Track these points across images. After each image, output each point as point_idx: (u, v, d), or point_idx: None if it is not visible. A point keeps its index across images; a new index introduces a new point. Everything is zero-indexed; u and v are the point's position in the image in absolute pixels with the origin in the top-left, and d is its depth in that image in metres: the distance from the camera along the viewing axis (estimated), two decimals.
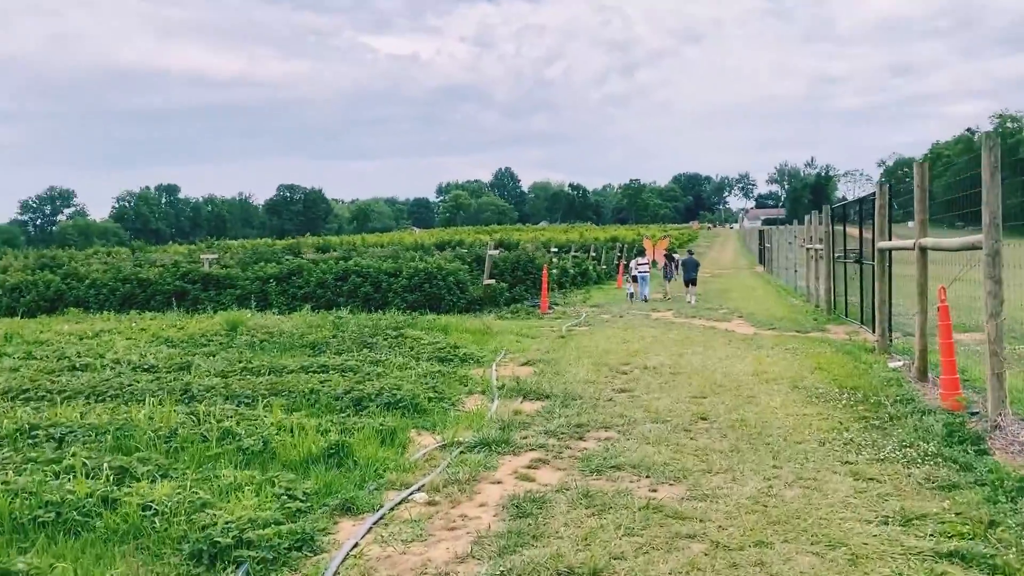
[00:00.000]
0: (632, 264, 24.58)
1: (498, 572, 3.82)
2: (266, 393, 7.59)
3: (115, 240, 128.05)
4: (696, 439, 6.29)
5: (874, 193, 12.53)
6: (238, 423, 6.08)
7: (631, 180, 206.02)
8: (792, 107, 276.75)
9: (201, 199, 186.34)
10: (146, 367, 9.36)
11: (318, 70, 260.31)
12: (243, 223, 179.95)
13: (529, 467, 5.62)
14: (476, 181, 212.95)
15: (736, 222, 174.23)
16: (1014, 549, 3.95)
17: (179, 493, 4.48)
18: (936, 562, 3.87)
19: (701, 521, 4.44)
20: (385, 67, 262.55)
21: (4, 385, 8.13)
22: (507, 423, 6.80)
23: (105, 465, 4.80)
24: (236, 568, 3.82)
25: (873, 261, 12.43)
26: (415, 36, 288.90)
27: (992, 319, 6.39)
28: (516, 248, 26.66)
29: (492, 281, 20.29)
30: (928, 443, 5.87)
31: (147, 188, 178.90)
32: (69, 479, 4.72)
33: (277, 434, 5.83)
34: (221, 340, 12.17)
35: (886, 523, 4.38)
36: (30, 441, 5.87)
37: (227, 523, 4.08)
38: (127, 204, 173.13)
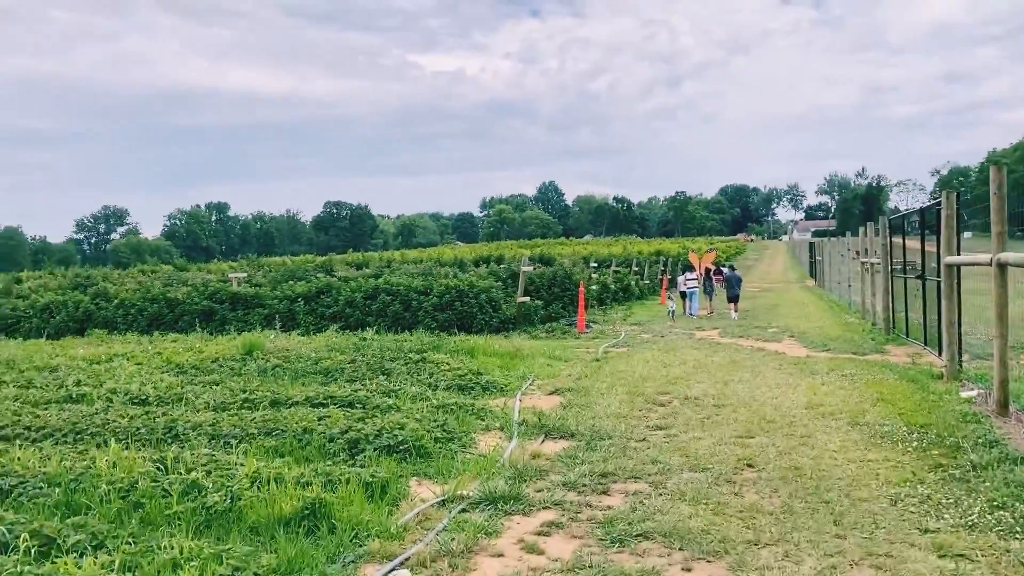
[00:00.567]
0: (680, 279, 23.95)
1: None
2: (256, 432, 6.82)
3: (167, 258, 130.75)
4: (741, 495, 5.32)
5: (938, 202, 11.37)
6: (209, 473, 5.30)
7: (677, 192, 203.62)
8: (842, 117, 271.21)
9: (250, 216, 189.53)
10: (139, 400, 8.69)
11: (365, 88, 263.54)
12: (291, 240, 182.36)
13: (539, 533, 4.72)
14: (520, 195, 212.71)
15: (785, 234, 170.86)
16: None
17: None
18: None
19: None
20: (431, 84, 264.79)
21: None
22: (521, 471, 5.90)
23: (25, 536, 4.04)
24: None
25: (939, 277, 11.28)
26: (461, 53, 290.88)
27: None
28: (553, 263, 25.73)
29: (527, 299, 19.42)
30: None
31: (197, 206, 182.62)
32: None
33: (249, 488, 5.03)
34: (233, 366, 11.51)
35: None
36: None
37: None
38: (178, 222, 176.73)
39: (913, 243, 14.24)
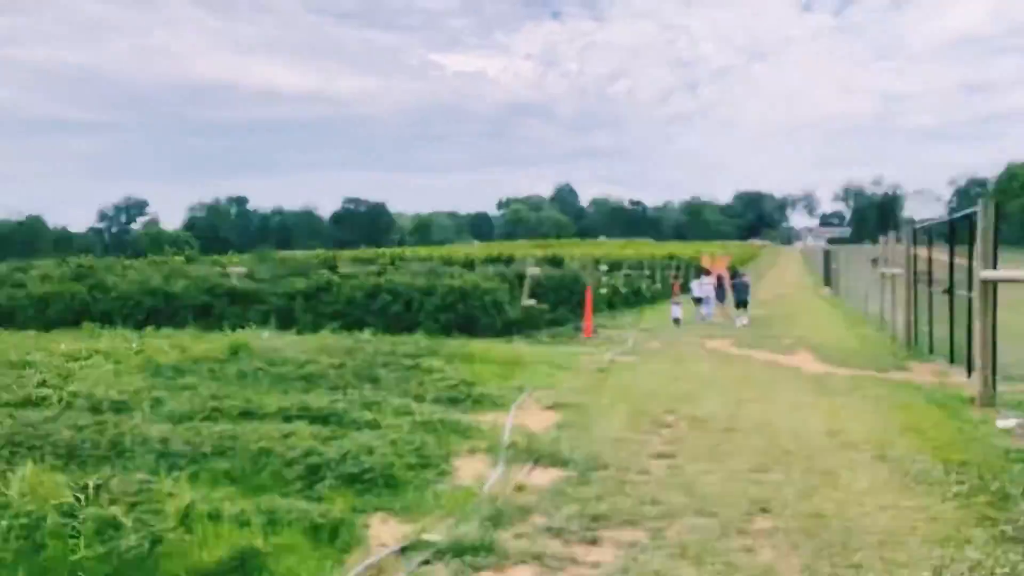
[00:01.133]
0: (694, 284, 23.53)
1: None
2: (209, 452, 6.10)
3: (186, 249, 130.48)
4: (754, 551, 4.53)
5: (971, 212, 10.51)
6: (133, 507, 4.56)
7: (692, 197, 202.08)
8: (859, 125, 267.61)
9: (269, 211, 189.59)
10: (98, 406, 7.99)
11: (387, 86, 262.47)
12: (309, 235, 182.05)
13: None
14: (536, 196, 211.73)
15: (799, 240, 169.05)
16: None
17: None
18: None
19: None
20: (452, 84, 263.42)
21: None
22: (500, 511, 5.12)
23: None
24: None
25: (970, 293, 10.42)
26: (483, 53, 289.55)
27: None
28: (563, 265, 24.96)
29: (533, 302, 18.65)
30: None
31: (218, 199, 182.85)
32: None
33: (176, 528, 4.30)
34: (214, 367, 10.80)
35: None
36: None
37: None
38: (199, 214, 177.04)
39: (939, 254, 13.37)
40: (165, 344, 13.40)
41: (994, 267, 9.31)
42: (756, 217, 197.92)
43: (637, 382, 10.71)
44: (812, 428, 7.90)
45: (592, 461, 6.48)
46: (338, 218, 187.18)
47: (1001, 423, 8.17)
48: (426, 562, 4.36)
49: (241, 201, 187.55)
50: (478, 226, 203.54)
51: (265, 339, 14.28)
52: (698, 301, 22.76)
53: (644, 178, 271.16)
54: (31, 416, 7.36)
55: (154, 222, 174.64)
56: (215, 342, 13.48)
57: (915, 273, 15.01)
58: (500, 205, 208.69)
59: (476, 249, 68.96)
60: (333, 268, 24.00)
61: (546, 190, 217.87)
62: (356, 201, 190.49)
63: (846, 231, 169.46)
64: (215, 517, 4.47)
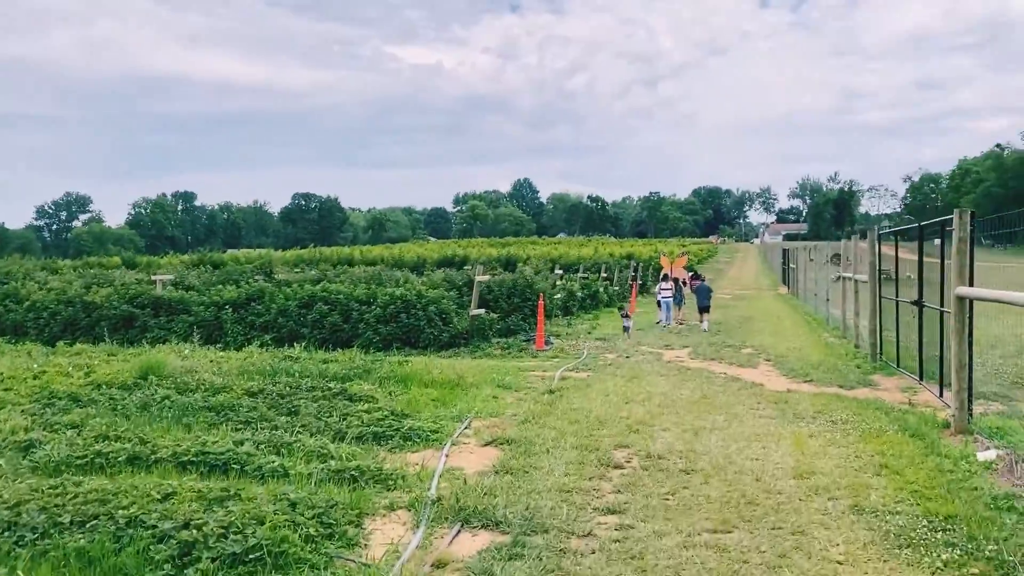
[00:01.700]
0: (656, 289, 23.65)
1: None
2: (68, 523, 5.03)
3: (130, 247, 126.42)
4: None
5: (945, 219, 9.82)
6: None
7: (651, 193, 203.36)
8: (816, 121, 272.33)
9: (217, 207, 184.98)
10: None
11: (342, 79, 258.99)
12: (258, 232, 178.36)
13: None
14: (494, 191, 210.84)
15: (756, 237, 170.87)
16: None
17: None
18: None
19: None
20: (409, 77, 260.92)
21: None
22: None
23: None
24: None
25: (942, 307, 9.75)
26: (440, 46, 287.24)
27: None
28: (516, 269, 24.02)
29: (482, 311, 17.68)
30: None
31: (163, 195, 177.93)
32: None
33: None
34: (116, 395, 9.67)
35: None
36: None
37: None
38: (143, 211, 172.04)
39: (906, 254, 12.73)
40: (71, 365, 12.17)
41: (970, 283, 8.60)
42: (714, 213, 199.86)
43: (588, 407, 9.82)
44: (778, 467, 7.08)
45: (529, 521, 5.55)
46: (288, 214, 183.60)
47: (982, 455, 7.46)
48: None
49: (188, 197, 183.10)
50: (434, 222, 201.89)
51: (186, 357, 13.13)
52: (658, 305, 22.76)
53: (604, 174, 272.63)
54: None
55: (97, 219, 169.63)
56: (126, 362, 12.31)
57: (880, 279, 14.39)
58: (457, 201, 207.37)
59: (430, 248, 67.70)
60: (269, 274, 22.75)
61: (504, 185, 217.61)
62: (307, 196, 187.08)
63: (803, 227, 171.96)
64: None
